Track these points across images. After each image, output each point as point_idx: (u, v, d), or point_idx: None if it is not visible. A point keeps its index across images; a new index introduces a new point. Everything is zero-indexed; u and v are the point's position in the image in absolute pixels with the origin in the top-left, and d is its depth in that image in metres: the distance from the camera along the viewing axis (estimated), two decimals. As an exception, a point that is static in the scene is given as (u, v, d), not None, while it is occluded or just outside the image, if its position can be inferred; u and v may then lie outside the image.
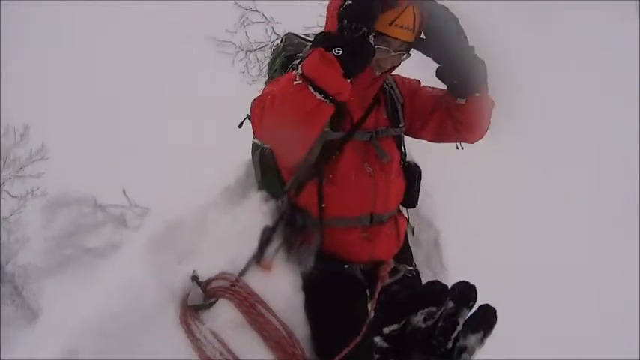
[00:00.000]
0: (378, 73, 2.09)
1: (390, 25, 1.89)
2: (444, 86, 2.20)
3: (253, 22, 5.44)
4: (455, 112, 2.22)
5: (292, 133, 1.81)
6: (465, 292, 2.08)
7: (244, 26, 5.43)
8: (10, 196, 7.59)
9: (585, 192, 5.43)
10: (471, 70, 2.05)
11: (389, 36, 1.93)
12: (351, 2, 1.77)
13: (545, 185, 5.26)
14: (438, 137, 2.39)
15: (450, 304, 2.05)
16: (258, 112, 1.83)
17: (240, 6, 5.48)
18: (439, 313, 2.07)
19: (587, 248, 4.69)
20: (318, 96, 1.69)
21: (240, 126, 2.32)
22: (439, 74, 2.13)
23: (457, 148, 2.43)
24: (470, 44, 2.05)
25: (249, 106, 1.94)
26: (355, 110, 2.19)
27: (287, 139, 1.85)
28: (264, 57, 5.73)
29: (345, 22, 1.74)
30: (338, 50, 1.70)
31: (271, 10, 5.25)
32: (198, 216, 2.41)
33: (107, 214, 4.83)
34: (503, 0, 7.45)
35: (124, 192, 4.49)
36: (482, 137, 2.34)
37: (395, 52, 2.01)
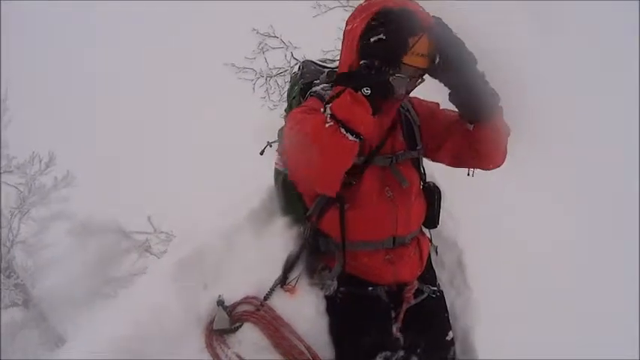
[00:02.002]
0: (393, 99, 2.10)
1: (407, 53, 1.91)
2: None
3: (272, 48, 5.48)
4: (469, 137, 2.20)
5: (326, 172, 1.84)
6: (415, 341, 2.37)
7: (263, 52, 5.47)
8: (34, 222, 7.70)
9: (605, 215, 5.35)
10: (480, 97, 2.05)
11: (406, 64, 1.96)
12: (384, 38, 1.80)
13: (566, 206, 5.20)
14: (455, 162, 2.37)
15: (402, 352, 2.30)
16: (292, 152, 1.87)
17: (258, 32, 5.54)
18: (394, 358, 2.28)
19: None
20: (351, 137, 1.72)
21: (261, 153, 2.36)
22: (451, 99, 2.13)
23: (468, 174, 2.36)
24: (480, 70, 2.03)
25: (277, 136, 1.97)
26: (373, 136, 2.20)
27: (320, 178, 1.88)
28: (285, 82, 5.75)
29: (376, 62, 1.78)
30: (367, 90, 1.73)
31: (289, 35, 5.30)
32: (223, 241, 2.44)
33: (132, 240, 4.88)
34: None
35: (149, 218, 4.55)
36: (500, 165, 2.28)
37: (411, 78, 2.04)
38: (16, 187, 8.00)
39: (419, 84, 2.11)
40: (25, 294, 8.44)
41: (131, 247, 4.83)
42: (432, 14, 2.01)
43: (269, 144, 2.48)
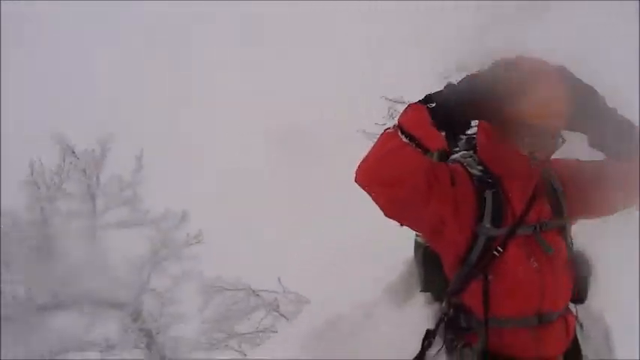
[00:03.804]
0: (534, 164, 2.03)
1: (539, 115, 1.87)
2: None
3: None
4: (620, 176, 2.07)
5: (383, 175, 1.86)
6: None
7: (393, 118, 5.55)
8: (167, 277, 8.14)
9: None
10: (620, 132, 2.00)
11: (539, 127, 1.90)
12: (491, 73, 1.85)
13: None
14: (614, 208, 2.26)
15: None
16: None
17: (387, 98, 5.62)
18: None
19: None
20: (404, 138, 1.76)
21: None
22: (592, 144, 2.07)
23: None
24: (611, 107, 2.00)
25: None
26: (516, 204, 2.12)
27: (375, 175, 1.89)
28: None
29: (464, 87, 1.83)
30: (431, 104, 1.80)
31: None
32: (360, 313, 2.42)
33: (260, 298, 5.00)
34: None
35: (279, 280, 4.66)
36: None
37: (549, 140, 1.98)
38: (150, 240, 8.55)
39: (560, 146, 2.04)
40: (150, 338, 8.87)
41: (259, 305, 4.93)
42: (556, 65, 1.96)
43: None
